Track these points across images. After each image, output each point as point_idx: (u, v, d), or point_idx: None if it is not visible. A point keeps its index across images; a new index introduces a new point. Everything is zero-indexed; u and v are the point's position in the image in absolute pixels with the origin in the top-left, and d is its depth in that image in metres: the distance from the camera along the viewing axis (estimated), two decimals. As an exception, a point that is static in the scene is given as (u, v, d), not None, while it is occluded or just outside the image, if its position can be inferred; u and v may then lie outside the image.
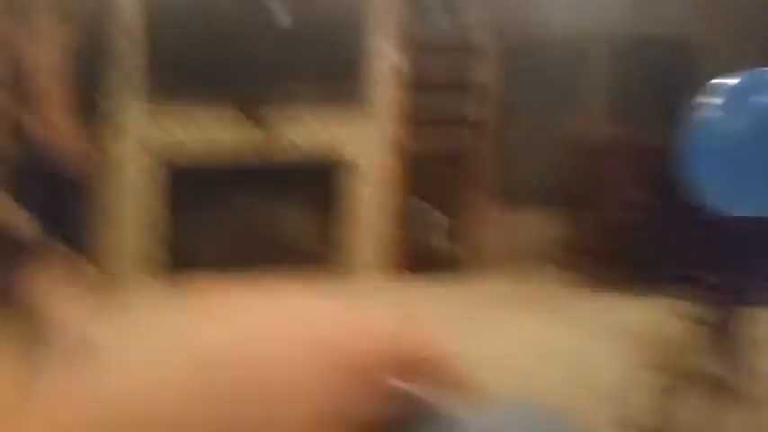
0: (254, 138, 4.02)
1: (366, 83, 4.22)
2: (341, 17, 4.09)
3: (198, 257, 3.97)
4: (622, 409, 2.18)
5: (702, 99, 1.54)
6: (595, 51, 4.95)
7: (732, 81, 1.47)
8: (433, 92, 4.38)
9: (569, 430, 0.71)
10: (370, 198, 4.37)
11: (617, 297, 3.95)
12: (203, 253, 4.05)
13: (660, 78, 5.01)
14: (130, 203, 3.95)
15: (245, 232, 4.20)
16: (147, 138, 3.93)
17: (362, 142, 4.29)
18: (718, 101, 1.53)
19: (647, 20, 4.85)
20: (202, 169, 4.07)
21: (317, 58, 4.02)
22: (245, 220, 4.21)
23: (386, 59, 4.24)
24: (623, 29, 4.83)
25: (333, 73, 4.08)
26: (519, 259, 4.68)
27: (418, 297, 4.00)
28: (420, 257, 4.42)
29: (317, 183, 4.32)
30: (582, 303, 3.95)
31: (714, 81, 1.48)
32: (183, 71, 3.82)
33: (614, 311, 3.69)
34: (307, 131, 4.13)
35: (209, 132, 3.97)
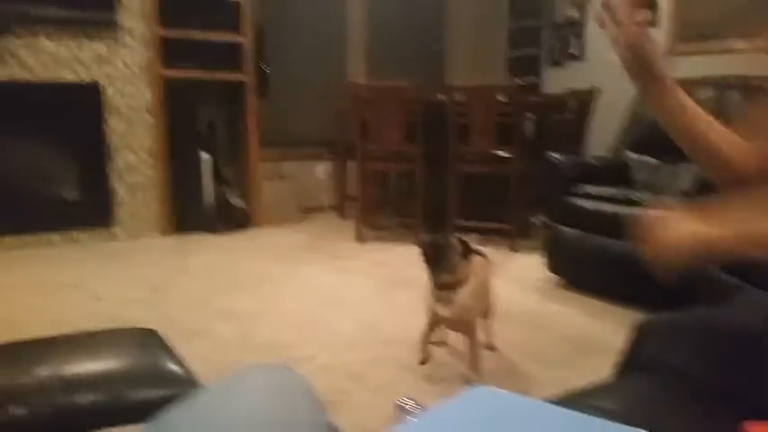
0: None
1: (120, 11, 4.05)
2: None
3: None
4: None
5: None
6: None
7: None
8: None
9: (302, 389, 0.74)
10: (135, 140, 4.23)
11: (387, 243, 4.34)
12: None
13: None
14: None
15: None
16: None
17: (117, 71, 4.12)
18: None
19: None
20: None
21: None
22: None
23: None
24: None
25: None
26: (300, 210, 5.01)
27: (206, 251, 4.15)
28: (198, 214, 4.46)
29: (69, 117, 4.02)
30: (356, 249, 4.19)
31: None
32: None
33: (383, 256, 3.99)
34: (55, 58, 3.89)
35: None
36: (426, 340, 2.30)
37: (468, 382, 2.17)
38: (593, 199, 3.21)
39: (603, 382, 0.95)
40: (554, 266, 3.39)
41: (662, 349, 0.96)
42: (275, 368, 0.73)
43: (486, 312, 2.38)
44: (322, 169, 5.48)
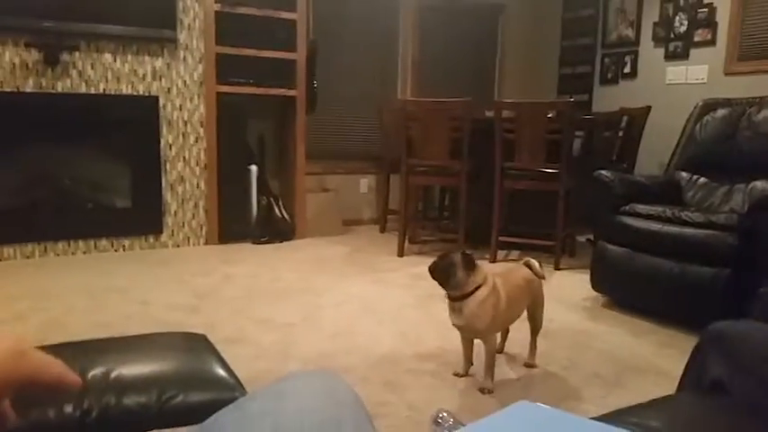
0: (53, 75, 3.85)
1: (180, 29, 4.18)
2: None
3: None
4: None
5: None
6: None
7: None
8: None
9: (344, 394, 0.74)
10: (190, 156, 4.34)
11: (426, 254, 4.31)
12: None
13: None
14: None
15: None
16: None
17: (173, 86, 4.24)
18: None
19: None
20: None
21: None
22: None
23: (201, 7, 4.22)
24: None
25: (147, 18, 4.03)
26: (342, 223, 5.02)
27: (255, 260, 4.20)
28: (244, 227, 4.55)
29: (131, 129, 4.16)
30: (396, 263, 4.19)
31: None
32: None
33: (422, 270, 3.89)
34: (115, 72, 4.03)
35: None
36: (467, 355, 2.32)
37: (482, 389, 2.20)
38: (641, 217, 3.15)
39: (650, 400, 0.93)
40: (599, 285, 3.33)
41: (722, 367, 0.93)
42: (323, 373, 0.74)
43: (507, 322, 2.37)
44: (365, 183, 5.51)
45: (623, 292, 3.23)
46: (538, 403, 0.83)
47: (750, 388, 0.88)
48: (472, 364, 2.35)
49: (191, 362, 1.01)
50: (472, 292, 2.14)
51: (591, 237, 3.84)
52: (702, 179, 3.53)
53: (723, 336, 0.96)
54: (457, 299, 2.16)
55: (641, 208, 3.17)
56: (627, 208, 3.22)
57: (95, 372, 0.95)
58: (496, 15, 6.11)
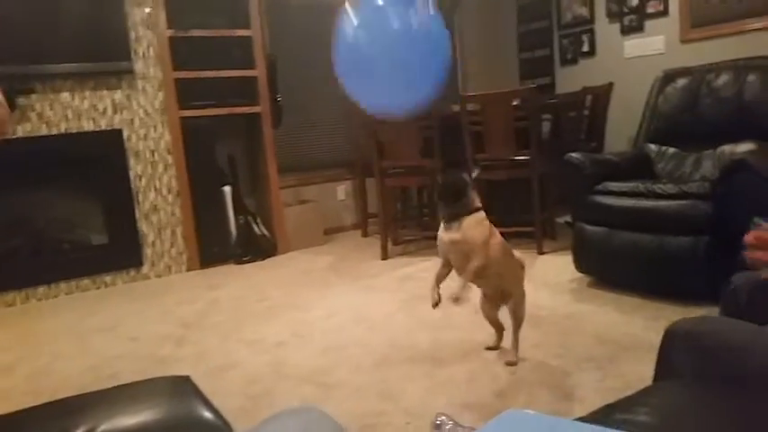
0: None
1: (135, 59, 4.15)
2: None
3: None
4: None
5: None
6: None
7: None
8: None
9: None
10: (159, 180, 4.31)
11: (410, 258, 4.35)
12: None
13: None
14: None
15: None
16: None
17: (136, 116, 4.21)
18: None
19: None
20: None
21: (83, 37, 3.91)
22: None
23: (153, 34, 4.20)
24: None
25: (100, 52, 3.99)
26: (323, 233, 4.98)
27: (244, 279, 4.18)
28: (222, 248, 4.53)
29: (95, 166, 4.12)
30: (381, 267, 4.19)
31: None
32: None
33: (407, 272, 4.01)
34: (75, 110, 3.99)
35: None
36: (438, 281, 2.29)
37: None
38: (615, 195, 3.18)
39: (636, 393, 0.93)
40: (582, 265, 3.36)
41: (693, 358, 0.94)
42: (306, 413, 0.73)
43: (505, 295, 2.40)
44: (342, 190, 5.50)
45: (607, 270, 3.26)
46: (526, 410, 0.83)
47: (720, 382, 0.89)
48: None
49: (176, 409, 1.00)
50: (469, 213, 2.20)
51: (569, 219, 3.87)
52: (671, 150, 3.57)
53: (690, 334, 0.98)
54: (454, 217, 2.20)
55: (614, 185, 3.20)
56: (600, 187, 3.25)
57: (80, 430, 0.94)
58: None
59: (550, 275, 3.54)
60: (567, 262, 3.46)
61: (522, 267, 2.43)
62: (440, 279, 2.29)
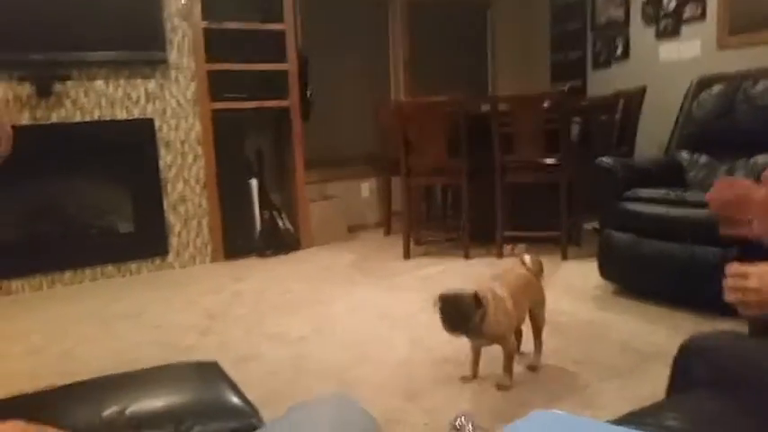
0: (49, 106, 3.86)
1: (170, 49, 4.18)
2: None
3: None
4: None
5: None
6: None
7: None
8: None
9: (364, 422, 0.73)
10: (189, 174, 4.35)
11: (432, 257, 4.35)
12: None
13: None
14: None
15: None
16: None
17: (168, 106, 4.25)
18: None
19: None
20: None
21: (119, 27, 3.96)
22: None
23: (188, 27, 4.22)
24: None
25: (136, 41, 4.03)
26: (346, 229, 5.00)
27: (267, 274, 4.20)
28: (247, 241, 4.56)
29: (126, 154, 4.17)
30: (403, 266, 4.19)
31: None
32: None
33: (430, 271, 4.01)
34: (109, 98, 4.04)
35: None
36: (475, 359, 2.32)
37: (499, 386, 2.21)
38: (645, 202, 3.13)
39: (660, 402, 0.92)
40: (607, 273, 3.32)
41: (710, 372, 0.93)
42: (337, 400, 0.73)
43: (517, 321, 2.35)
44: (367, 187, 5.51)
45: (632, 278, 3.22)
46: (554, 410, 0.82)
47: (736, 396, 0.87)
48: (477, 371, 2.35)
49: (204, 392, 1.01)
50: (482, 322, 2.09)
51: (596, 225, 3.82)
52: (704, 158, 3.51)
53: (705, 348, 0.96)
54: (474, 331, 2.12)
55: (644, 192, 3.16)
56: (630, 193, 3.21)
57: (110, 410, 0.95)
58: (485, 8, 6.10)
59: (575, 282, 3.50)
60: (592, 269, 3.42)
61: (541, 270, 2.41)
62: (475, 357, 2.32)
